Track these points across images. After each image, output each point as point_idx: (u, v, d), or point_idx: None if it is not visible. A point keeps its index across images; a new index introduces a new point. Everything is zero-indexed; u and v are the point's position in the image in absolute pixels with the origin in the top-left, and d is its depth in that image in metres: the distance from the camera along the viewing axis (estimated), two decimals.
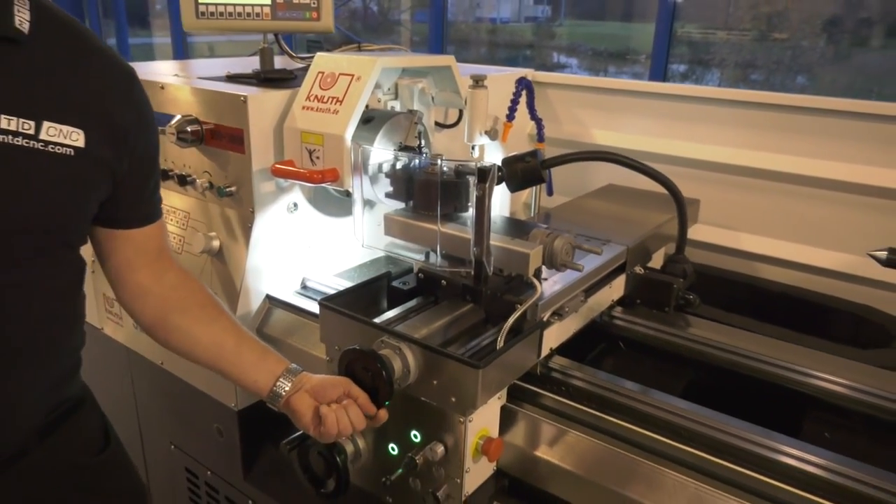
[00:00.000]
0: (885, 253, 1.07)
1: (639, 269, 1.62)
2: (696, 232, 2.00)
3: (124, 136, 0.98)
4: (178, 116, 1.55)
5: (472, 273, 1.24)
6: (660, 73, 3.87)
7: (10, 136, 0.85)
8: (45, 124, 0.88)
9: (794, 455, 1.10)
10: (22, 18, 0.88)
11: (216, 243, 1.60)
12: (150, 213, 1.10)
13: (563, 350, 1.39)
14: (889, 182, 1.81)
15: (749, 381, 1.39)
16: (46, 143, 0.88)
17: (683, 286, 1.55)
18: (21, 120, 0.86)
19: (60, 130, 0.90)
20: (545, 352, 1.31)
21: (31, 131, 0.87)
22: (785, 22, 6.66)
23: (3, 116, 0.85)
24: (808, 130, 1.91)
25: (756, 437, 1.13)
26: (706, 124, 2.06)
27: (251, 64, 1.84)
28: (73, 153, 0.91)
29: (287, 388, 1.11)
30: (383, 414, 1.12)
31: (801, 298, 1.90)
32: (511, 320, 1.16)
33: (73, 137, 0.91)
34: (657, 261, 1.75)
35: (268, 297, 1.62)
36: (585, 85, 2.26)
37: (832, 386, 1.32)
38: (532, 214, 1.97)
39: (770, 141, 1.97)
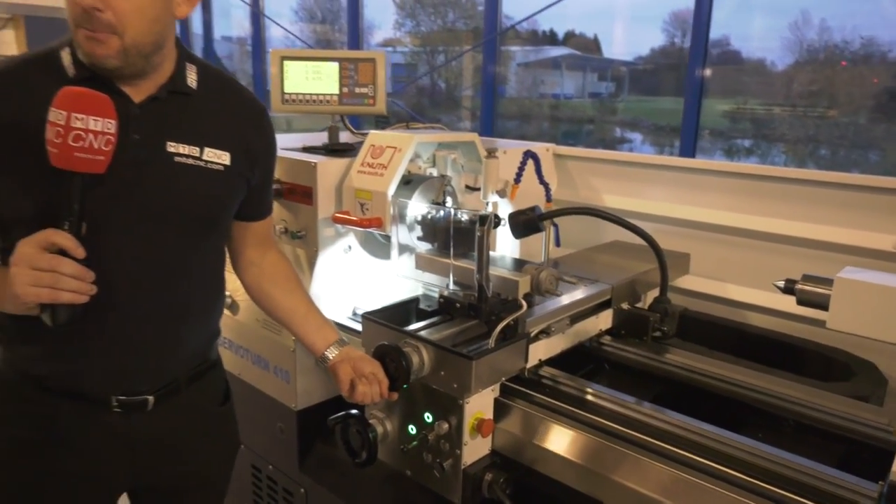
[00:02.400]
0: (783, 282, 1.38)
1: (625, 306, 1.97)
2: (686, 282, 2.34)
3: (256, 157, 1.40)
4: None
5: (476, 295, 1.63)
6: (689, 150, 3.91)
7: (185, 158, 1.28)
8: (206, 149, 1.30)
9: (732, 444, 1.38)
10: (192, 78, 1.31)
11: None
12: (266, 210, 1.54)
13: (556, 367, 1.73)
14: (853, 241, 2.11)
15: (702, 393, 1.70)
16: (207, 162, 1.31)
17: (658, 320, 1.88)
18: (191, 146, 1.29)
19: (215, 153, 1.32)
20: (534, 361, 1.67)
21: (198, 154, 1.29)
22: (841, 97, 6.77)
23: (181, 145, 1.28)
24: (785, 196, 2.25)
25: (705, 431, 1.42)
26: (699, 190, 2.42)
27: (318, 138, 2.33)
28: (223, 169, 1.33)
29: (335, 354, 1.50)
30: (394, 395, 1.51)
31: (777, 340, 2.18)
32: (500, 327, 1.54)
33: (223, 158, 1.33)
34: (647, 302, 2.09)
35: None
36: (598, 157, 2.67)
37: (767, 397, 1.62)
38: (543, 260, 2.35)
39: (752, 205, 2.31)
